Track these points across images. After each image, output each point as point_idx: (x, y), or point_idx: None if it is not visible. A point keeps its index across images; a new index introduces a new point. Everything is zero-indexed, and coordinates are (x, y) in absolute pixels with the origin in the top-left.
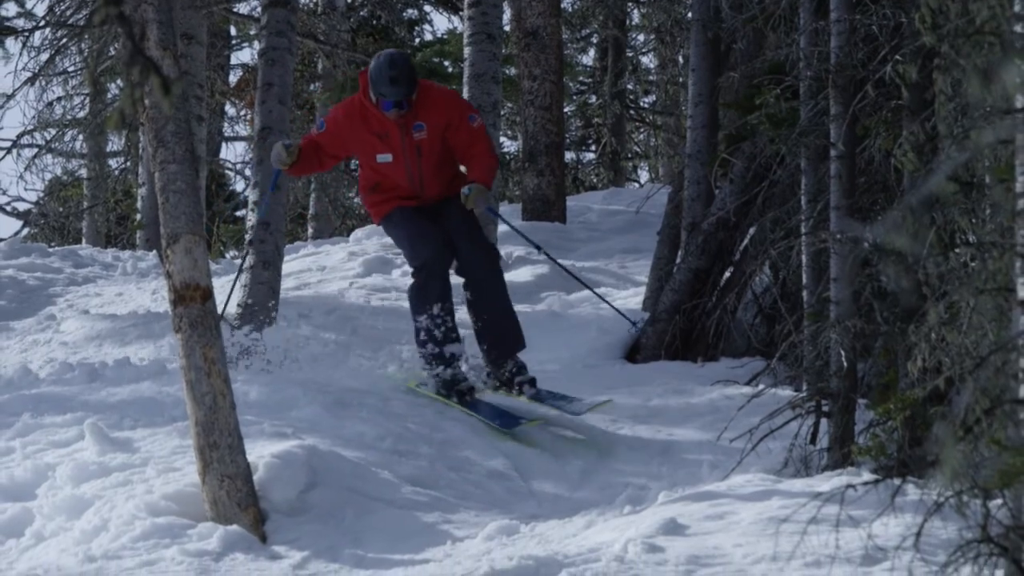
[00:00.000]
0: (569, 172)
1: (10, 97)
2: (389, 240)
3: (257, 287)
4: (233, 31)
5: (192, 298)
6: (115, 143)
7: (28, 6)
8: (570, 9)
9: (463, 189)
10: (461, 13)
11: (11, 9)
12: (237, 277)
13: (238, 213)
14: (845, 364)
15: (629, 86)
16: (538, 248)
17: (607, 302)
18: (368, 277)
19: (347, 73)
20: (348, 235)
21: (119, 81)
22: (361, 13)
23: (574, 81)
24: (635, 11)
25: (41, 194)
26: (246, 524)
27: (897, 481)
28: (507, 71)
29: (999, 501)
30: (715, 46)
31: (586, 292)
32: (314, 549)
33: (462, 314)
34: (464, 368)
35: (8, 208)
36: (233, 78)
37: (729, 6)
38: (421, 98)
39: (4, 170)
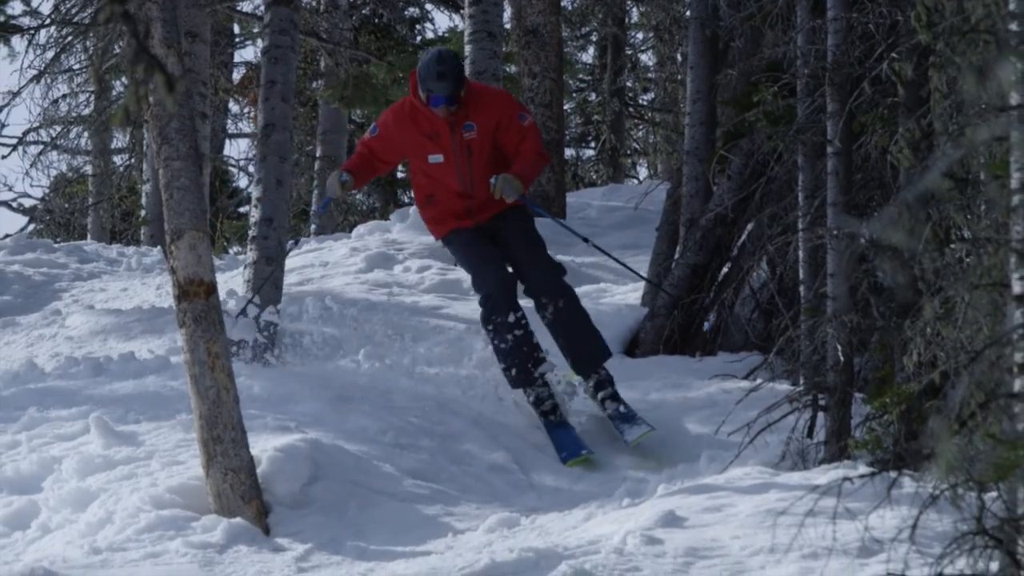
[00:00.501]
0: (569, 168)
1: (16, 95)
2: (391, 236)
3: (260, 282)
4: (236, 29)
5: (196, 293)
6: (120, 140)
7: (34, 4)
8: (570, 7)
9: (491, 179)
10: (462, 11)
11: (17, 7)
12: (259, 284)
13: (241, 209)
14: (842, 359)
15: (628, 83)
16: (585, 240)
17: (652, 282)
18: (370, 273)
19: (349, 71)
20: (350, 231)
21: (124, 79)
22: (363, 11)
23: (574, 79)
24: (634, 9)
25: (47, 190)
26: (250, 517)
27: (893, 474)
28: (507, 69)
29: (994, 494)
30: (713, 44)
31: (586, 287)
32: (317, 541)
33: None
34: (553, 379)
35: (14, 204)
36: (236, 76)
37: (727, 4)
38: (471, 98)
39: (10, 167)
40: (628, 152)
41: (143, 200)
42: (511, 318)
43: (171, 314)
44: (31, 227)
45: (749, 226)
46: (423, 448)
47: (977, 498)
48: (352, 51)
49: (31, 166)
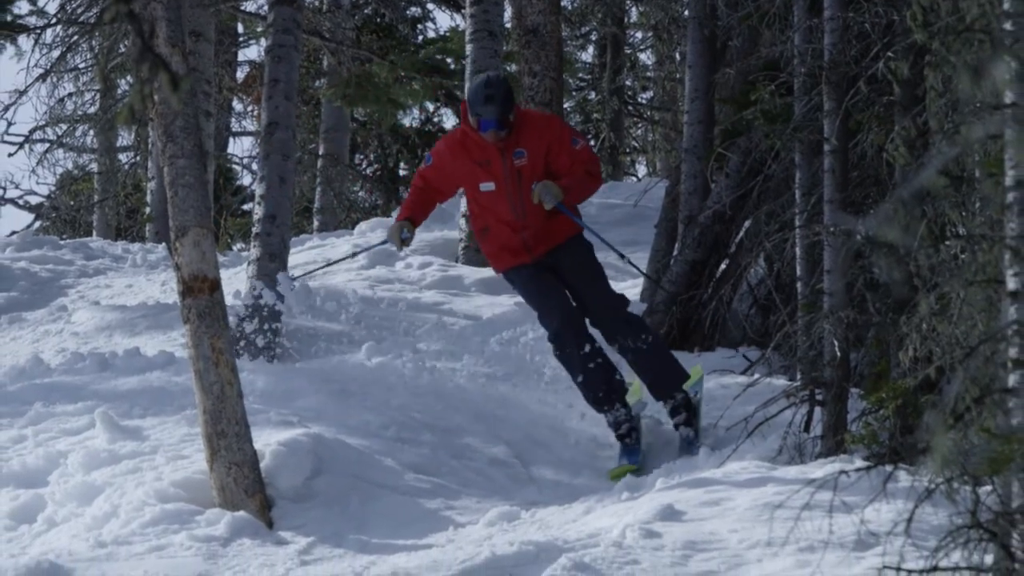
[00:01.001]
0: None
1: (23, 93)
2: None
3: (263, 279)
4: (240, 28)
5: (200, 289)
6: (125, 138)
7: (40, 4)
8: (570, 7)
9: (532, 185)
10: (463, 11)
11: (23, 7)
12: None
13: (245, 206)
14: (838, 354)
15: (627, 82)
16: (621, 256)
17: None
18: (372, 269)
19: (351, 69)
20: (353, 228)
21: (129, 77)
22: (365, 11)
23: (573, 77)
24: (633, 9)
25: (53, 188)
26: (253, 510)
27: (889, 468)
28: (508, 68)
29: (988, 488)
30: (711, 43)
31: None
32: (320, 535)
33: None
34: (632, 401)
35: (21, 202)
36: (240, 74)
37: (725, 4)
38: (521, 124)
39: (17, 165)
40: (627, 150)
41: (148, 197)
42: (582, 351)
43: (176, 310)
44: (37, 224)
45: (747, 223)
46: (424, 442)
47: (972, 492)
48: (354, 50)
49: (37, 164)
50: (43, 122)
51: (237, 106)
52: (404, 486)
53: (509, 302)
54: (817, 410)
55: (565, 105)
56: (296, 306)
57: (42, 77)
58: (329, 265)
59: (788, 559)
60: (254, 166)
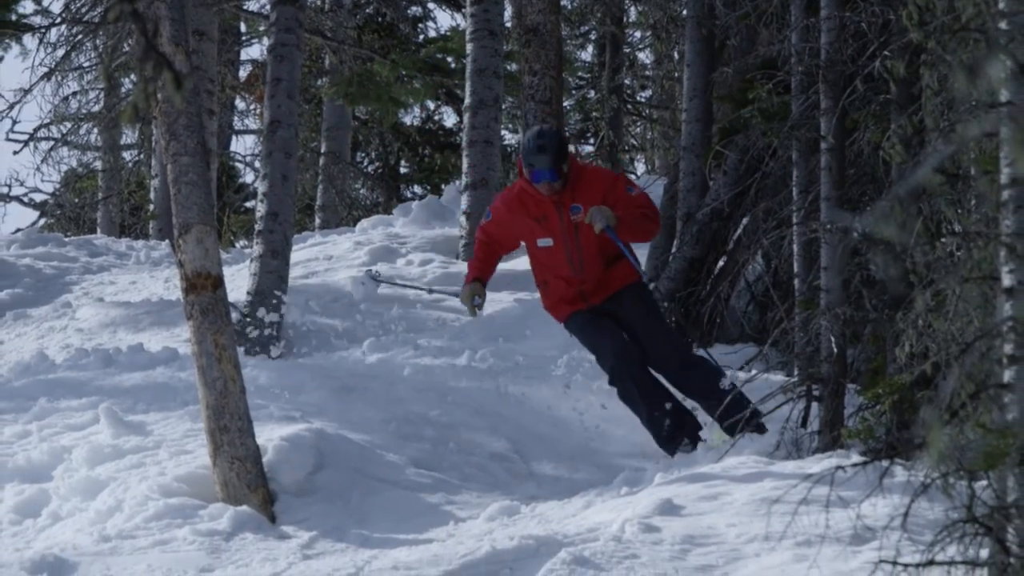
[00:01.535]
0: None
1: (27, 92)
2: (394, 230)
3: (266, 275)
4: (243, 28)
5: (203, 286)
6: (129, 136)
7: (45, 3)
8: (569, 6)
9: (590, 208)
10: (464, 10)
11: (28, 6)
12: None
13: (248, 204)
14: (835, 350)
15: (626, 81)
16: (651, 281)
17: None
18: (374, 266)
19: (353, 68)
20: (354, 225)
21: (133, 76)
22: (367, 10)
23: (573, 76)
24: (632, 8)
25: (57, 185)
26: (255, 505)
27: (885, 463)
28: (508, 67)
29: (984, 482)
30: (709, 42)
31: None
32: (321, 529)
33: None
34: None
35: (25, 199)
36: (243, 73)
37: (723, 3)
38: (576, 178)
39: (22, 162)
40: (626, 148)
41: (152, 195)
42: (641, 388)
43: (179, 307)
44: (42, 221)
45: (744, 220)
46: (425, 437)
47: (967, 486)
48: (356, 49)
49: (42, 162)
50: (48, 120)
51: (240, 104)
52: (405, 481)
53: (509, 299)
54: (814, 405)
55: (565, 103)
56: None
57: (47, 76)
58: (408, 286)
59: (785, 553)
60: (256, 164)
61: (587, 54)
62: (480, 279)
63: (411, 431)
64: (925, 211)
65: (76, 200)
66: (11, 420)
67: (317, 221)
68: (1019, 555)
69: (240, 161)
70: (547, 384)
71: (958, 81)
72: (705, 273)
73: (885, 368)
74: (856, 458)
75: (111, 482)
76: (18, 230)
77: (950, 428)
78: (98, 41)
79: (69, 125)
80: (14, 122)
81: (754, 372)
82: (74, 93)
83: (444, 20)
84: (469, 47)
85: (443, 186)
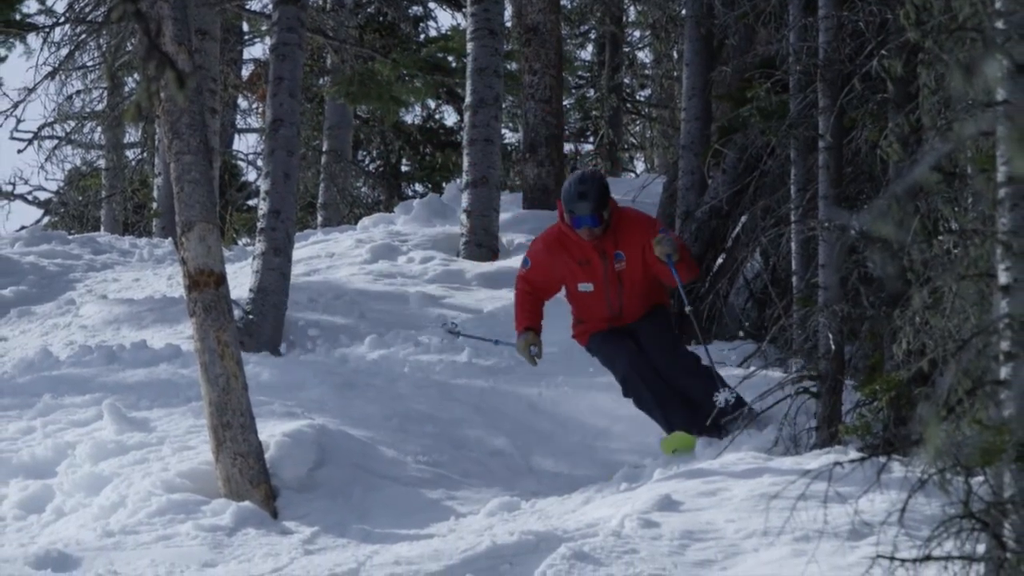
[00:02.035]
0: (568, 162)
1: (32, 91)
2: (395, 228)
3: (268, 273)
4: (245, 27)
5: (206, 283)
6: (132, 135)
7: (48, 3)
8: (569, 6)
9: (655, 239)
10: (464, 10)
11: (32, 6)
12: None
13: (250, 202)
14: (833, 347)
15: (626, 80)
16: (690, 307)
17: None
18: (375, 263)
19: (354, 67)
20: (356, 223)
21: (136, 75)
22: (368, 9)
23: (573, 75)
24: (631, 8)
25: (61, 184)
26: (258, 500)
27: (883, 459)
28: (508, 66)
29: (980, 478)
30: (708, 42)
31: None
32: (323, 524)
33: None
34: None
35: (30, 197)
36: (245, 72)
37: (721, 3)
38: (618, 224)
39: (26, 161)
40: (625, 146)
41: (155, 193)
42: (650, 393)
43: (182, 304)
44: (46, 219)
45: (743, 218)
46: (426, 434)
47: (964, 482)
48: (357, 48)
49: (46, 160)
50: (52, 119)
51: (242, 103)
52: (406, 477)
53: (510, 296)
54: (812, 402)
55: (565, 102)
56: None
57: (51, 75)
58: (482, 339)
59: (784, 548)
60: (259, 162)
61: (587, 53)
62: (532, 328)
63: (412, 427)
64: (922, 209)
65: (80, 198)
66: (15, 416)
67: (319, 219)
68: (1015, 550)
69: (242, 159)
70: (547, 381)
71: (955, 80)
72: (704, 270)
73: (882, 365)
74: (854, 454)
75: (115, 478)
76: (22, 228)
77: (947, 424)
78: (102, 40)
79: (73, 124)
80: (18, 121)
81: (752, 369)
82: (78, 92)
83: (445, 19)
84: (470, 46)
85: (444, 184)
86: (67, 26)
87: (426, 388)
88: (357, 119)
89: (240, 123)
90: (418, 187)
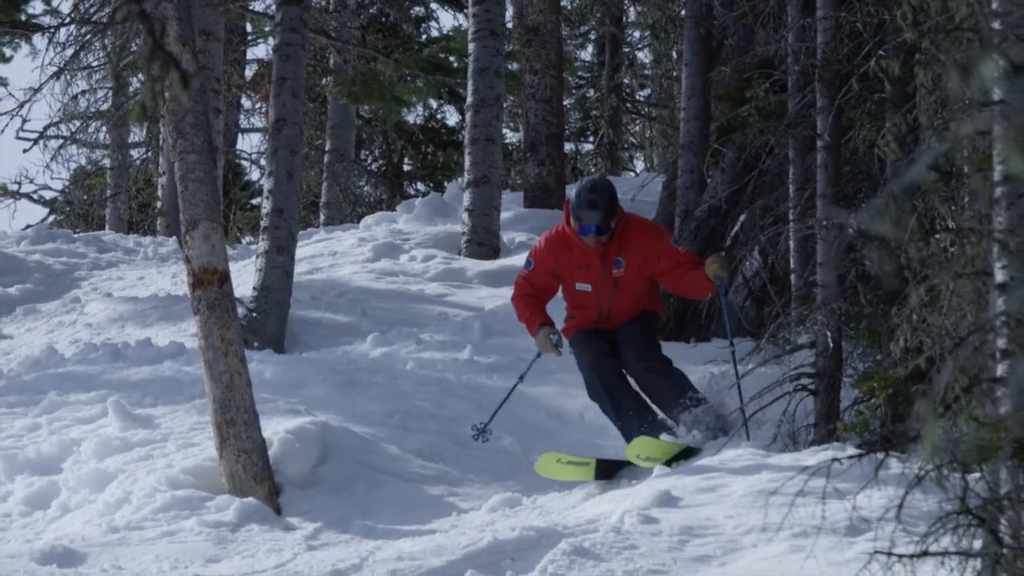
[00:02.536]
0: (568, 162)
1: (37, 91)
2: (397, 226)
3: (271, 271)
4: (249, 28)
5: (210, 281)
6: (137, 134)
7: (54, 4)
8: (569, 6)
9: (710, 259)
10: (466, 10)
11: (38, 7)
12: None
13: (254, 201)
14: (831, 344)
15: (625, 80)
16: (731, 343)
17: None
18: (377, 262)
19: (357, 68)
20: (358, 222)
21: (140, 75)
22: (371, 10)
23: (573, 75)
24: (631, 8)
25: (66, 183)
26: (261, 496)
27: (880, 455)
28: (509, 66)
29: (977, 475)
30: (707, 42)
31: None
32: (326, 520)
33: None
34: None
35: (35, 196)
36: (249, 72)
37: (720, 3)
38: (623, 231)
39: (31, 160)
40: (625, 146)
41: (159, 192)
42: (608, 397)
43: (186, 302)
44: (51, 218)
45: (742, 217)
46: (428, 430)
47: (961, 479)
48: (360, 49)
49: (52, 160)
50: (57, 119)
51: (246, 103)
52: (409, 473)
53: (510, 294)
54: (810, 399)
55: (565, 102)
56: None
57: (56, 75)
58: (505, 400)
59: (782, 544)
60: (262, 162)
61: (587, 53)
62: (544, 324)
63: (414, 424)
64: (919, 208)
65: (85, 197)
66: (21, 413)
67: (322, 218)
68: (1012, 546)
69: (246, 159)
70: (548, 378)
71: (952, 80)
72: None
73: (880, 362)
74: (852, 451)
75: (119, 474)
76: (28, 227)
77: (944, 421)
78: (106, 41)
79: (78, 123)
80: (24, 120)
81: (751, 367)
82: (83, 92)
83: (446, 20)
84: (471, 47)
85: (446, 183)
86: (72, 27)
87: (428, 385)
88: (359, 119)
89: (244, 123)
90: (420, 186)
